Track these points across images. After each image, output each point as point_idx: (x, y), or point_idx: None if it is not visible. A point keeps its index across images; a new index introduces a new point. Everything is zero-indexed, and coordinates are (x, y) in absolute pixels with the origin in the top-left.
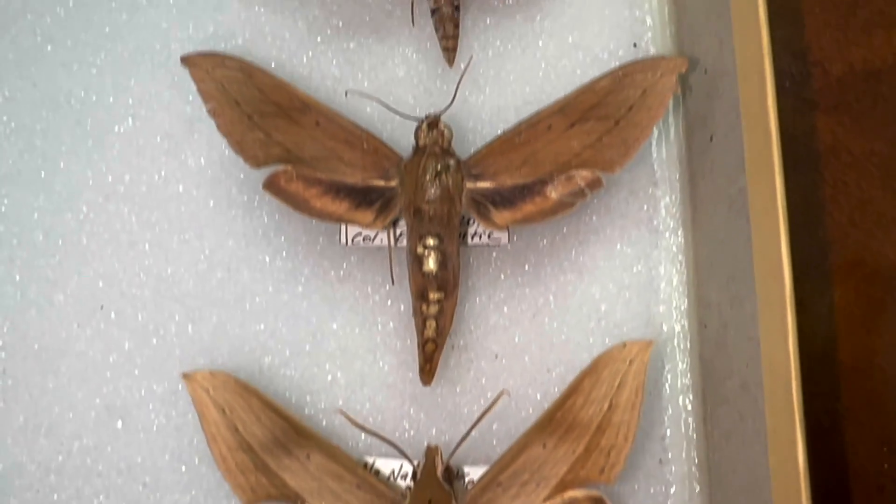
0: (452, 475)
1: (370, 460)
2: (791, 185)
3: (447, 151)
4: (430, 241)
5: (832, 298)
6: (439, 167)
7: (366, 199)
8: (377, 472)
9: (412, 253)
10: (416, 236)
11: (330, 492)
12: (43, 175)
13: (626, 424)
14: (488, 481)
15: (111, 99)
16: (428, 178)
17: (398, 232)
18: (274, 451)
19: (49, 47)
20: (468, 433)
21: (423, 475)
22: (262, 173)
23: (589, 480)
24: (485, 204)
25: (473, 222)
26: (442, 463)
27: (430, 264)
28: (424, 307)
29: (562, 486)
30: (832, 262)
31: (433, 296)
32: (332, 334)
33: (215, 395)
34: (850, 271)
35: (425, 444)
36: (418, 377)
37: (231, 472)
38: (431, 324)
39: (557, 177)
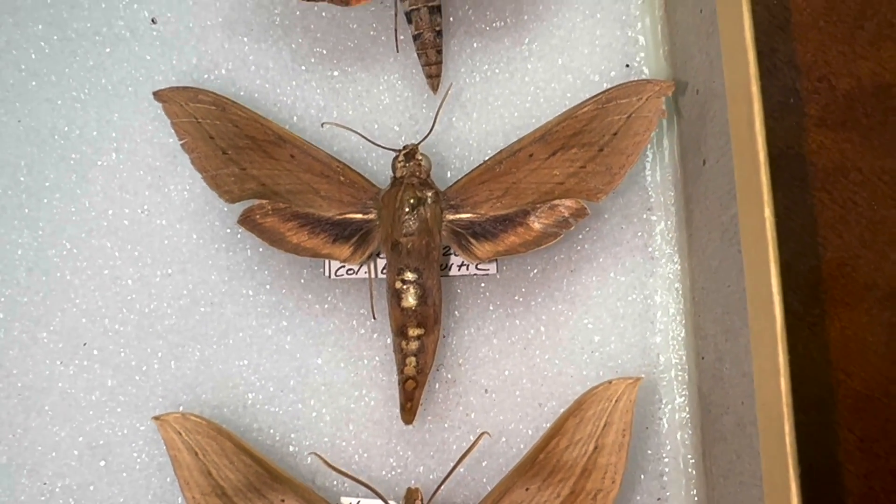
0: None
1: (353, 502)
2: (799, 206)
3: (425, 182)
4: (409, 276)
5: (843, 324)
6: (416, 199)
7: (343, 232)
8: None
9: (391, 288)
10: (395, 270)
11: None
12: (27, 211)
13: (612, 467)
14: None
15: (95, 133)
16: (406, 210)
17: (381, 265)
18: (248, 496)
19: (33, 83)
20: (447, 477)
21: None
22: (245, 206)
23: None
24: (465, 236)
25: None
26: None
27: (410, 299)
28: (404, 344)
29: None
30: (844, 285)
31: (413, 332)
32: (317, 369)
33: (188, 438)
34: (863, 294)
35: (412, 482)
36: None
37: None
38: (411, 361)
39: (540, 207)
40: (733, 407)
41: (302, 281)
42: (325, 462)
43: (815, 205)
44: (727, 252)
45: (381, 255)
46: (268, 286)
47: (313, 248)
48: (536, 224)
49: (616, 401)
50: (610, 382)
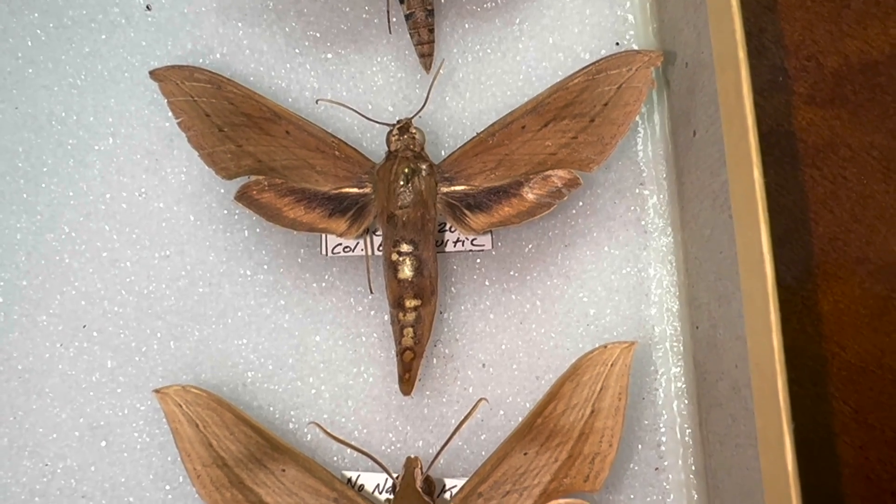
0: (433, 487)
1: (354, 475)
2: (790, 183)
3: (419, 155)
4: (405, 248)
5: (836, 297)
6: (411, 171)
7: (339, 207)
8: (361, 488)
9: (387, 260)
10: (391, 243)
11: None
12: (25, 196)
13: (609, 430)
14: (468, 493)
15: (92, 118)
16: (400, 182)
17: (378, 242)
18: (249, 466)
19: (30, 70)
20: (446, 444)
21: (402, 487)
22: (242, 182)
23: (573, 489)
24: (460, 208)
25: (455, 228)
26: (422, 474)
27: (406, 271)
28: (401, 315)
29: (545, 496)
30: (835, 260)
31: (410, 303)
32: (316, 347)
33: (188, 410)
34: (855, 268)
35: (411, 455)
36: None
37: (206, 489)
38: (409, 332)
39: (533, 178)
40: (728, 371)
41: (299, 260)
42: (324, 431)
43: (805, 181)
44: (718, 219)
45: (378, 233)
46: (265, 266)
47: (310, 223)
48: (530, 195)
49: (612, 365)
50: (605, 347)
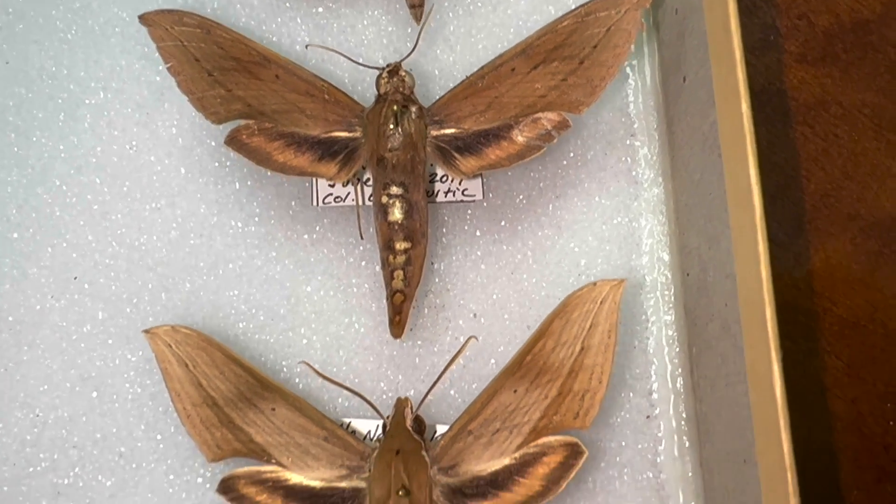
0: (423, 426)
1: (346, 421)
2: (781, 141)
3: (409, 98)
4: (395, 190)
5: (828, 253)
6: (401, 113)
7: (329, 150)
8: (353, 434)
9: (377, 203)
10: (381, 186)
11: (297, 445)
12: (16, 150)
13: (599, 367)
14: (458, 430)
15: (82, 73)
16: (390, 125)
17: (368, 193)
18: (239, 406)
19: (21, 25)
20: (436, 382)
21: (393, 426)
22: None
23: (563, 426)
24: (450, 151)
25: (446, 179)
26: (412, 413)
27: (396, 213)
28: (391, 258)
29: (535, 433)
30: (826, 217)
31: (400, 246)
32: (307, 298)
33: (178, 350)
34: (846, 225)
35: None
36: (394, 339)
37: (196, 429)
38: (399, 274)
39: (523, 120)
40: (718, 312)
41: (290, 212)
42: (314, 370)
43: (797, 139)
44: (708, 160)
45: (368, 183)
46: (256, 218)
47: (300, 167)
48: (520, 137)
49: (601, 302)
50: (594, 284)
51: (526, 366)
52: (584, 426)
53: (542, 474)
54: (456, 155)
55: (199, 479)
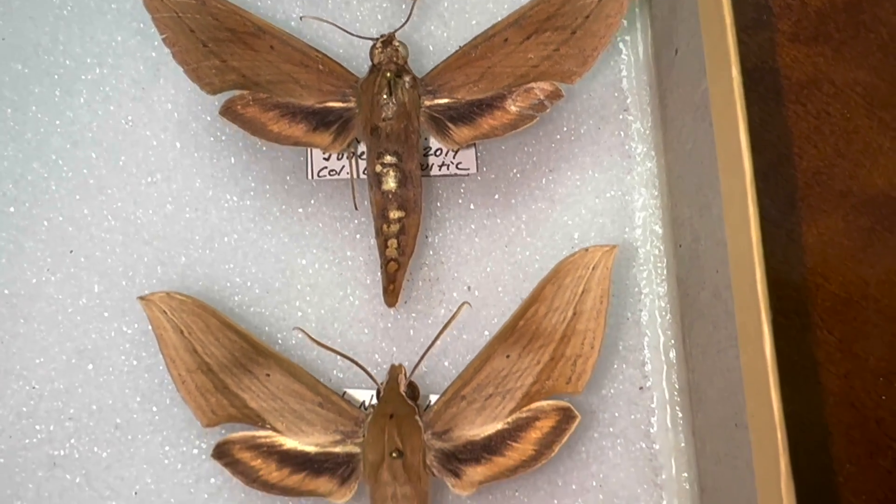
0: (417, 392)
1: (341, 392)
2: (774, 119)
3: (402, 68)
4: (389, 159)
5: (820, 230)
6: (394, 82)
7: (323, 120)
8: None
9: (371, 173)
10: (374, 155)
11: (291, 411)
12: (12, 125)
13: (591, 332)
14: (451, 395)
15: (78, 49)
16: (383, 95)
17: (363, 167)
18: (233, 371)
19: (16, 1)
20: (429, 347)
21: (386, 392)
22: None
23: (556, 391)
24: (443, 121)
25: (440, 153)
26: (406, 379)
27: (390, 182)
28: (385, 227)
29: (528, 398)
30: (819, 194)
31: (393, 214)
32: (302, 271)
33: (173, 317)
34: (839, 202)
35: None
36: (389, 311)
37: (191, 395)
38: (393, 243)
39: (516, 90)
40: (709, 280)
41: (285, 186)
42: (308, 336)
43: (789, 117)
44: (699, 129)
45: (362, 157)
46: (252, 192)
47: (294, 137)
48: (513, 107)
49: (593, 268)
50: (586, 250)
51: (518, 331)
52: (577, 391)
53: (535, 439)
54: (449, 125)
55: (195, 451)
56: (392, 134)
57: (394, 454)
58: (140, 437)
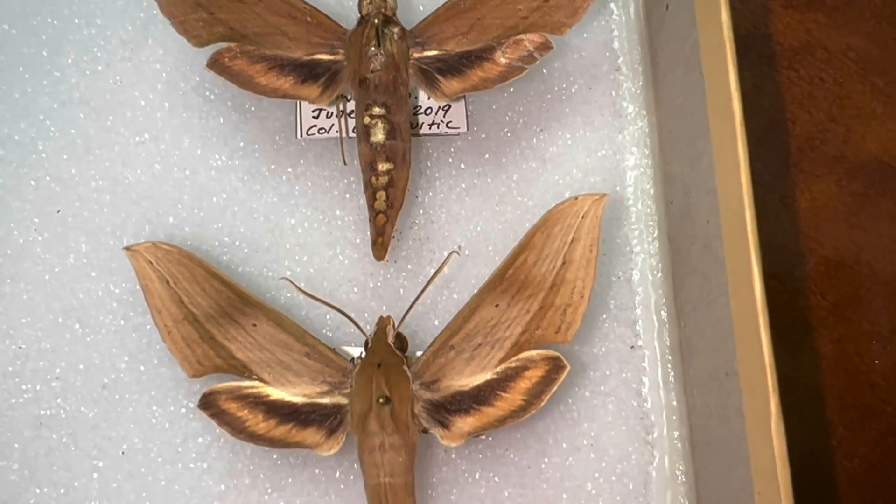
0: (405, 343)
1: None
2: (767, 84)
3: (391, 20)
4: (377, 111)
5: (813, 195)
6: (382, 34)
7: (311, 73)
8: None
9: (359, 125)
10: (363, 107)
11: (278, 362)
12: (0, 85)
13: (581, 281)
14: (440, 346)
15: (66, 10)
16: (371, 45)
17: (352, 125)
18: (220, 322)
19: None
20: (418, 297)
21: (375, 342)
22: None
23: (545, 341)
24: (432, 73)
25: (430, 112)
26: (394, 330)
27: (378, 134)
28: (374, 179)
29: (517, 348)
30: (812, 159)
31: (382, 167)
32: (291, 230)
33: (159, 267)
34: (832, 167)
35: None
36: (378, 270)
37: (177, 345)
38: (381, 195)
39: (505, 42)
40: (700, 231)
41: (274, 146)
42: (296, 286)
43: (782, 83)
44: (690, 80)
45: (352, 115)
46: (240, 152)
47: (282, 89)
48: (502, 59)
49: (582, 217)
50: (576, 198)
51: (507, 280)
52: (566, 340)
53: (524, 388)
54: (439, 77)
55: (183, 410)
56: (380, 85)
57: (381, 400)
58: (127, 397)
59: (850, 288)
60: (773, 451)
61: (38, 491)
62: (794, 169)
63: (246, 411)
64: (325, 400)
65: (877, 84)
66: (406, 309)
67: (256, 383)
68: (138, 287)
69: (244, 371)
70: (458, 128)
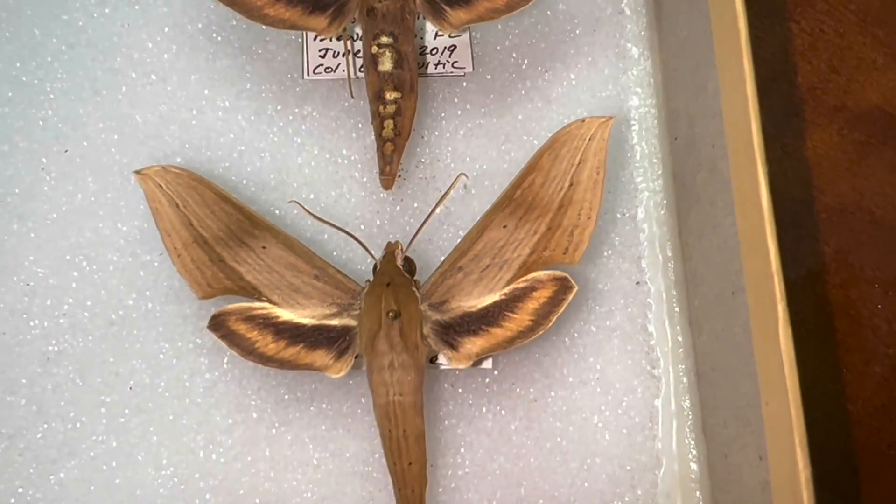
0: (413, 266)
1: None
2: (769, 36)
3: None
4: (385, 40)
5: (815, 143)
6: None
7: (319, 4)
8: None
9: (367, 54)
10: (371, 36)
11: (287, 284)
12: (7, 27)
13: (588, 202)
14: (448, 267)
15: None
16: None
17: (360, 64)
18: (229, 244)
19: None
20: (425, 221)
21: (383, 264)
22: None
23: (553, 261)
24: (438, 3)
25: (436, 52)
26: (402, 253)
27: (386, 63)
28: (381, 108)
29: (525, 269)
30: (814, 109)
31: (390, 95)
32: (298, 170)
33: (168, 190)
34: (833, 116)
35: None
36: (385, 209)
37: (186, 268)
38: (389, 123)
39: None
40: (705, 159)
41: (281, 86)
42: (305, 209)
43: (784, 34)
44: (694, 12)
45: (359, 55)
46: (247, 92)
47: (290, 20)
48: None
49: (589, 139)
50: (583, 120)
51: (515, 201)
52: (574, 261)
53: (532, 309)
54: (445, 7)
55: (190, 346)
56: (388, 14)
57: (390, 314)
58: (135, 333)
59: (853, 234)
60: (781, 357)
61: (45, 426)
62: (796, 118)
63: (255, 332)
64: (335, 322)
65: (877, 35)
66: (414, 233)
67: (266, 305)
68: (146, 225)
69: (254, 293)
70: (464, 68)
